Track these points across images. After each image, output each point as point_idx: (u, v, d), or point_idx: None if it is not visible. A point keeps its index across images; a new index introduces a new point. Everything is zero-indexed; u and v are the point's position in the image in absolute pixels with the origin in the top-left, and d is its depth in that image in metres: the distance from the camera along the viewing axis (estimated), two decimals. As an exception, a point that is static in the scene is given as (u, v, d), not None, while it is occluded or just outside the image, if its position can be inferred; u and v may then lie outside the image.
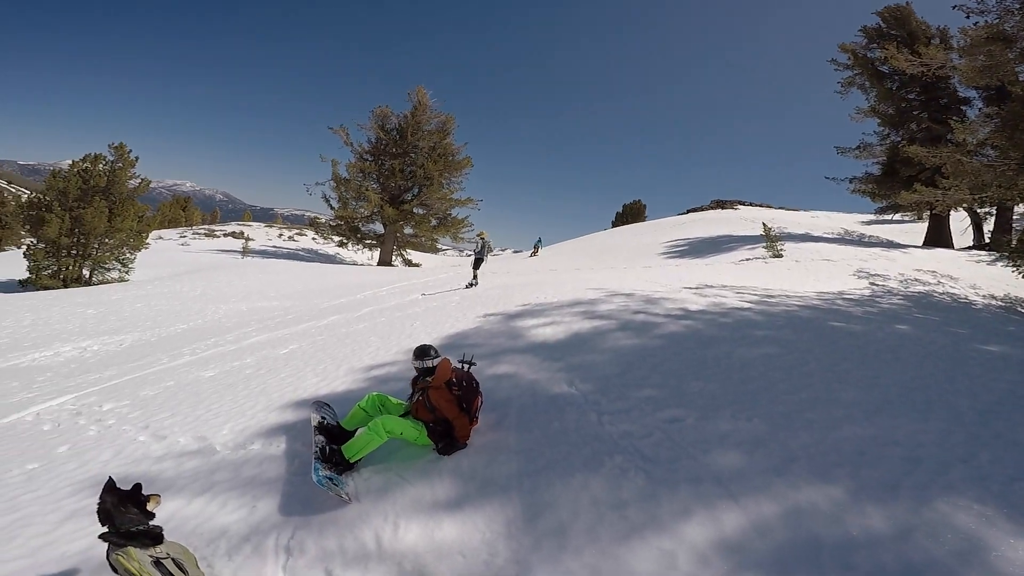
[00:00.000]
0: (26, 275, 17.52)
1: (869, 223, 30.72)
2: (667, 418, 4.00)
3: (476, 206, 33.31)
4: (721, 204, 41.04)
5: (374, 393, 4.13)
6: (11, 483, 3.79)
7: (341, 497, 3.21)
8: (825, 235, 23.43)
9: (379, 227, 32.89)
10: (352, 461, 3.58)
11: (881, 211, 25.91)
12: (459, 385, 3.82)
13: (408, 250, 34.73)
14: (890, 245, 20.10)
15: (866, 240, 22.40)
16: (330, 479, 3.32)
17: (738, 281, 11.18)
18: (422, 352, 3.96)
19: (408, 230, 33.03)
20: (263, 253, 30.48)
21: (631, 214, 51.92)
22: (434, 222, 32.81)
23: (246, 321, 10.34)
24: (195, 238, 36.61)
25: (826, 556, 2.52)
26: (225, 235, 38.75)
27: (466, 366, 4.15)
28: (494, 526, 2.91)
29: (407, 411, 3.93)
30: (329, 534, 2.95)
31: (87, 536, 2.98)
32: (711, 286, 10.12)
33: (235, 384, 5.76)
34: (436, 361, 3.93)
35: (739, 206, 39.57)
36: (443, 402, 3.71)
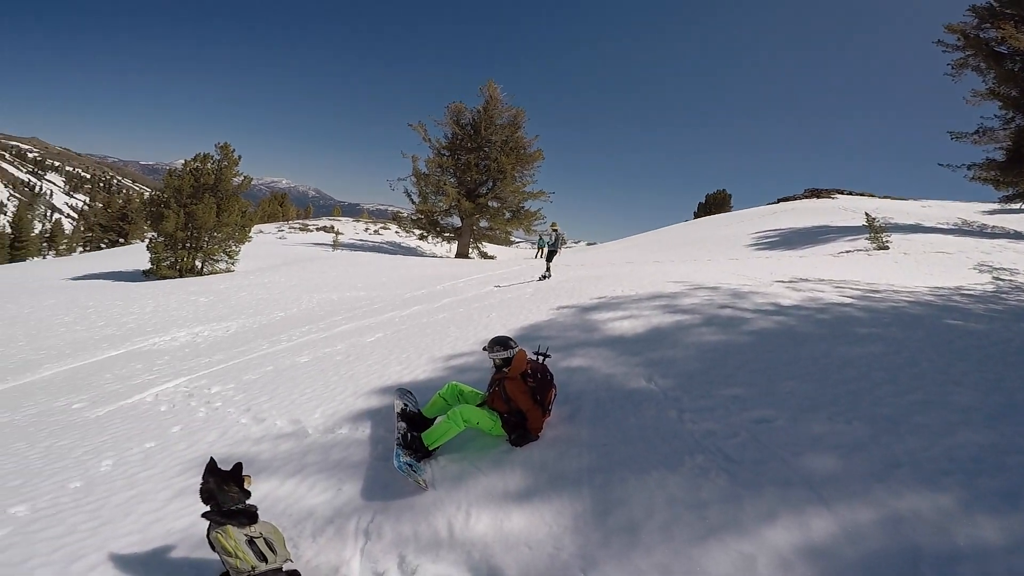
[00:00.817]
0: (148, 266, 19.63)
1: (992, 212, 27.18)
2: (755, 418, 3.76)
3: (548, 199, 33.12)
4: (816, 193, 38.04)
5: (453, 382, 4.19)
6: (131, 460, 4.21)
7: (419, 484, 3.29)
8: (939, 225, 21.02)
9: (457, 220, 33.52)
10: (431, 448, 3.65)
11: (1007, 199, 22.86)
12: (534, 376, 3.80)
13: (484, 243, 35.21)
14: (1018, 236, 17.68)
15: (989, 231, 19.85)
16: (410, 465, 3.41)
17: (837, 275, 10.31)
18: (500, 343, 3.96)
19: (483, 223, 33.42)
20: (351, 246, 32.16)
21: (715, 204, 49.48)
22: (508, 215, 33.02)
23: (336, 310, 10.95)
24: (291, 232, 39.31)
25: (925, 566, 2.30)
26: (317, 229, 41.30)
27: (541, 358, 4.12)
28: (562, 520, 2.88)
29: (483, 401, 3.97)
30: (405, 519, 3.03)
31: (191, 514, 3.24)
32: (806, 280, 9.41)
33: (326, 370, 6.11)
34: (513, 352, 3.92)
35: (837, 195, 36.48)
36: (518, 393, 3.70)
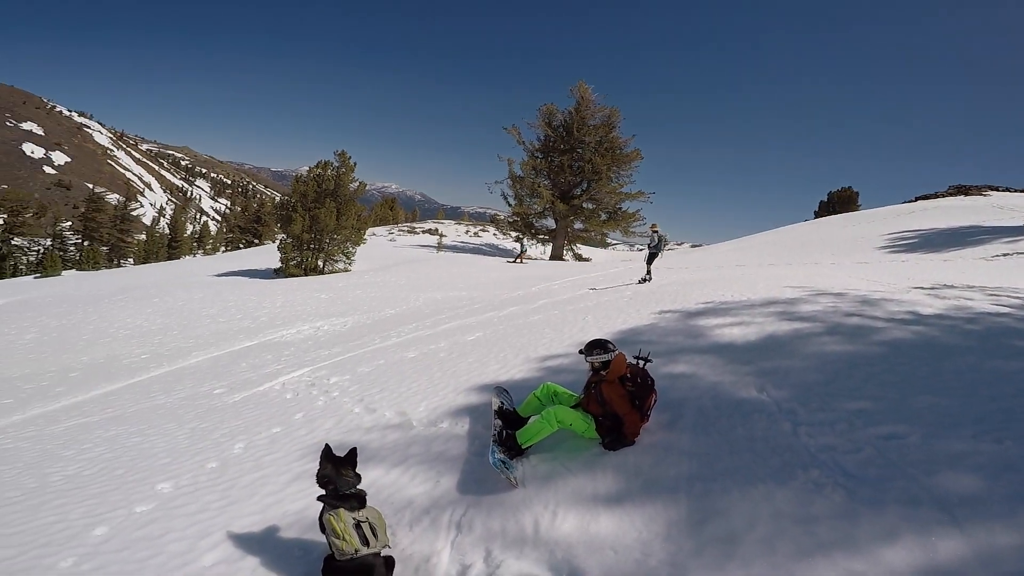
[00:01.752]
0: (279, 265, 21.81)
1: None
2: (883, 434, 3.39)
3: (648, 199, 32.01)
4: (963, 190, 33.31)
5: (547, 383, 4.21)
6: (259, 444, 4.67)
7: (510, 481, 3.34)
8: None
9: (551, 222, 33.54)
10: (524, 447, 3.69)
11: None
12: (633, 381, 3.71)
13: (578, 244, 34.87)
14: None
15: None
16: (503, 462, 3.47)
17: (991, 281, 8.96)
18: (598, 345, 3.91)
19: (578, 225, 33.11)
20: (453, 248, 33.42)
21: (839, 203, 45.11)
22: (603, 216, 32.41)
23: (440, 309, 11.46)
24: (400, 234, 41.70)
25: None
26: (423, 231, 43.43)
27: (641, 362, 4.00)
28: (653, 526, 2.80)
29: (578, 403, 3.94)
30: (495, 515, 3.09)
31: (305, 498, 3.52)
32: (951, 286, 8.28)
33: (431, 366, 6.41)
34: (611, 355, 3.85)
35: (989, 192, 31.70)
36: (615, 397, 3.63)
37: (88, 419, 6.14)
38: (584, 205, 32.25)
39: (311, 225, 21.18)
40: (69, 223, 46.59)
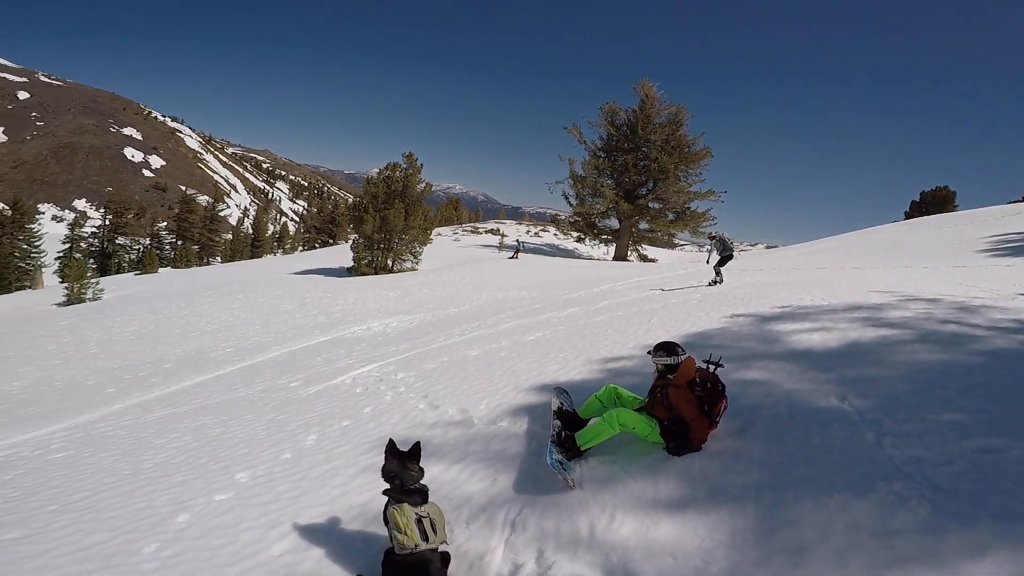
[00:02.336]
0: (351, 264, 22.81)
1: None
2: (979, 447, 3.11)
3: (718, 198, 30.82)
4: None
5: (610, 385, 4.14)
6: (331, 436, 4.88)
7: (567, 482, 3.31)
8: None
9: (615, 222, 33.05)
10: (583, 448, 3.66)
11: None
12: (702, 386, 3.59)
13: (644, 245, 34.16)
14: None
15: None
16: (560, 463, 3.45)
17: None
18: (666, 348, 3.81)
19: (643, 225, 32.46)
20: (514, 248, 33.65)
21: (933, 203, 41.53)
22: (671, 216, 31.64)
23: (501, 308, 11.58)
24: (464, 234, 42.54)
25: None
26: (485, 232, 44.08)
27: (712, 367, 3.86)
28: (717, 534, 2.70)
29: (641, 406, 3.87)
30: (550, 515, 3.08)
31: (371, 491, 3.63)
32: (1068, 292, 7.40)
33: (492, 364, 6.49)
34: (680, 359, 3.75)
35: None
36: (682, 401, 3.53)
37: (178, 409, 6.65)
38: (650, 205, 31.56)
39: (381, 225, 21.98)
40: (164, 223, 50.96)
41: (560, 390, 4.65)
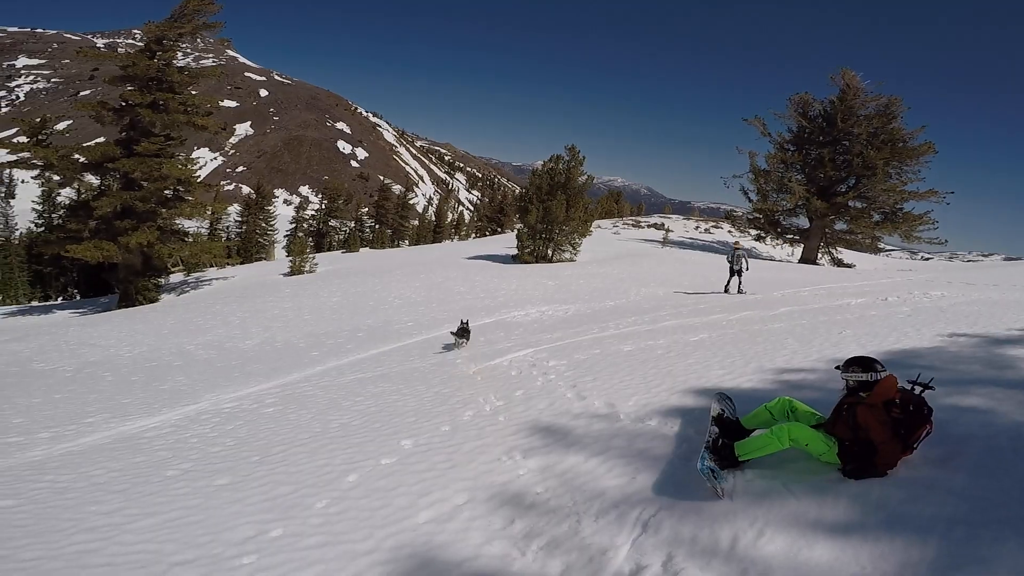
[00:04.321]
0: (515, 252, 23.92)
1: None
2: None
3: (942, 200, 25.77)
4: None
5: (785, 397, 3.79)
6: (484, 414, 5.20)
7: (716, 491, 3.14)
8: None
9: (803, 221, 29.71)
10: (741, 459, 3.43)
11: None
12: (902, 407, 3.13)
13: (839, 248, 30.07)
14: None
15: None
16: (712, 471, 3.28)
17: None
18: (862, 363, 3.37)
19: (840, 225, 28.61)
20: (680, 244, 32.04)
21: None
22: (877, 217, 27.39)
23: (661, 305, 11.17)
24: (624, 228, 41.73)
25: None
26: (648, 226, 42.63)
27: (919, 388, 3.31)
28: (882, 564, 2.39)
29: (820, 423, 3.48)
30: (688, 522, 2.93)
31: (510, 472, 3.82)
32: None
33: (646, 361, 6.33)
34: (877, 376, 3.28)
35: None
36: (873, 422, 3.11)
37: (364, 375, 7.65)
38: (850, 203, 27.66)
39: (544, 216, 22.63)
40: (366, 209, 58.57)
41: (723, 396, 4.38)
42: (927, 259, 42.48)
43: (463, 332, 8.64)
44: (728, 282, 13.43)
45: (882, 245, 31.85)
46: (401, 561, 2.99)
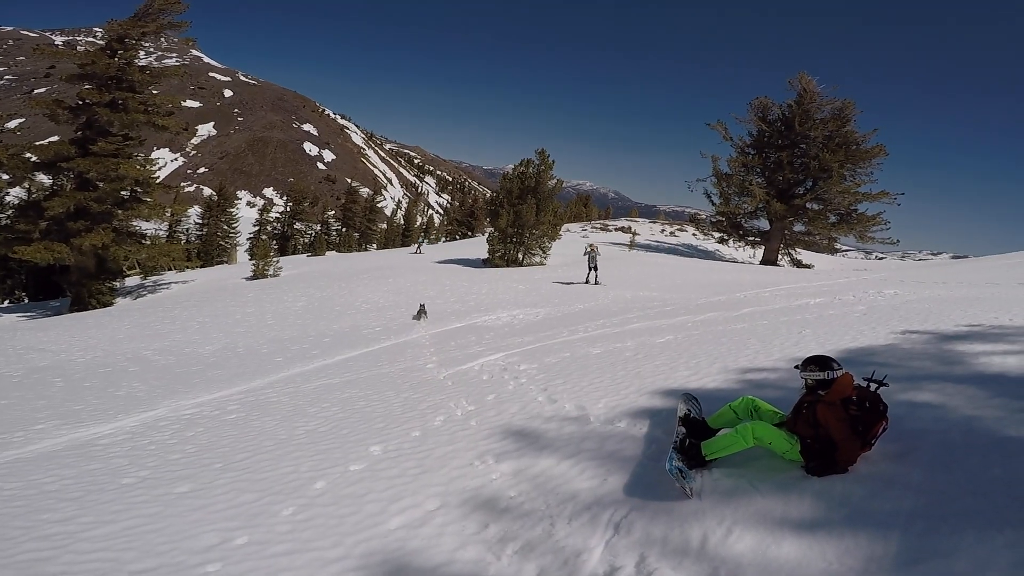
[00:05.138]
0: (486, 256, 23.91)
1: None
2: None
3: (893, 200, 27.03)
4: None
5: (748, 396, 3.90)
6: (455, 419, 5.17)
7: (685, 491, 3.19)
8: None
9: (764, 223, 30.65)
10: (708, 459, 3.50)
11: None
12: (859, 405, 3.25)
13: (798, 249, 31.13)
14: None
15: None
16: (680, 471, 3.33)
17: None
18: (817, 362, 3.48)
19: (799, 227, 29.64)
20: (646, 247, 32.59)
21: None
22: (833, 219, 28.52)
23: (629, 308, 11.34)
24: (593, 231, 42.19)
25: None
26: (616, 229, 43.26)
27: (874, 385, 3.45)
28: (848, 559, 2.47)
29: (782, 421, 3.59)
30: (659, 522, 2.97)
31: (483, 476, 3.81)
32: None
33: (615, 364, 6.40)
34: (834, 375, 3.40)
35: None
36: (832, 420, 3.21)
37: (330, 381, 7.50)
38: (808, 205, 28.68)
39: (514, 220, 22.71)
40: (333, 212, 57.61)
41: (689, 396, 4.46)
42: (881, 259, 44.40)
43: (421, 312, 12.06)
44: (587, 276, 17.18)
45: (838, 246, 33.10)
46: (373, 568, 2.93)
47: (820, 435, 3.27)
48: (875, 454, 3.31)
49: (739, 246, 32.61)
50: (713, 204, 31.45)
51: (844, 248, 39.26)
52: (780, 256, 30.09)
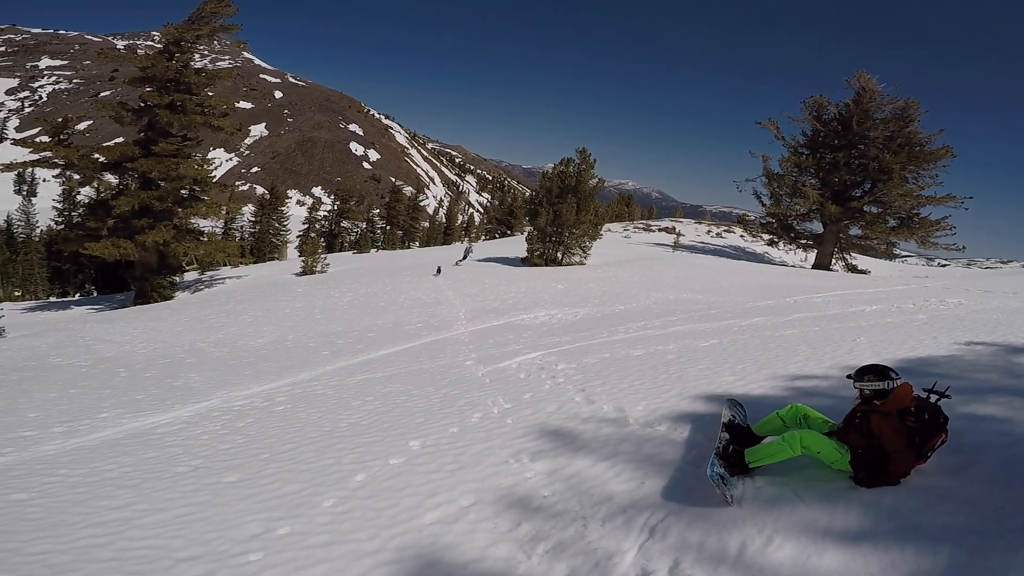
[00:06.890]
0: (525, 254, 23.91)
1: None
2: None
3: (960, 204, 25.39)
4: None
5: (797, 404, 3.76)
6: (492, 416, 5.20)
7: (725, 498, 3.12)
8: None
9: (817, 226, 29.43)
10: (751, 466, 3.41)
11: None
12: (917, 416, 3.09)
13: (853, 253, 29.71)
14: None
15: None
16: (721, 477, 3.26)
17: None
18: (876, 371, 3.31)
19: (854, 231, 28.27)
20: (691, 248, 31.83)
21: None
22: (892, 223, 27.02)
23: (672, 310, 11.09)
24: (635, 231, 41.58)
25: None
26: (659, 229, 42.45)
27: (935, 397, 3.26)
28: (893, 573, 2.39)
29: (832, 431, 3.45)
30: (696, 528, 2.92)
31: (517, 475, 3.81)
32: None
33: (656, 366, 6.28)
34: (892, 384, 3.23)
35: None
36: (887, 431, 3.08)
37: (373, 375, 7.66)
38: (865, 208, 27.32)
39: (554, 219, 22.61)
40: (377, 210, 58.88)
41: (734, 402, 4.34)
42: (944, 266, 41.80)
43: (439, 271, 16.04)
44: (459, 261, 22.49)
45: (898, 251, 31.44)
46: (406, 561, 2.99)
47: (873, 445, 3.15)
48: (930, 467, 3.16)
49: (790, 249, 31.44)
50: (763, 205, 30.47)
51: (904, 254, 37.24)
52: (834, 260, 28.89)
